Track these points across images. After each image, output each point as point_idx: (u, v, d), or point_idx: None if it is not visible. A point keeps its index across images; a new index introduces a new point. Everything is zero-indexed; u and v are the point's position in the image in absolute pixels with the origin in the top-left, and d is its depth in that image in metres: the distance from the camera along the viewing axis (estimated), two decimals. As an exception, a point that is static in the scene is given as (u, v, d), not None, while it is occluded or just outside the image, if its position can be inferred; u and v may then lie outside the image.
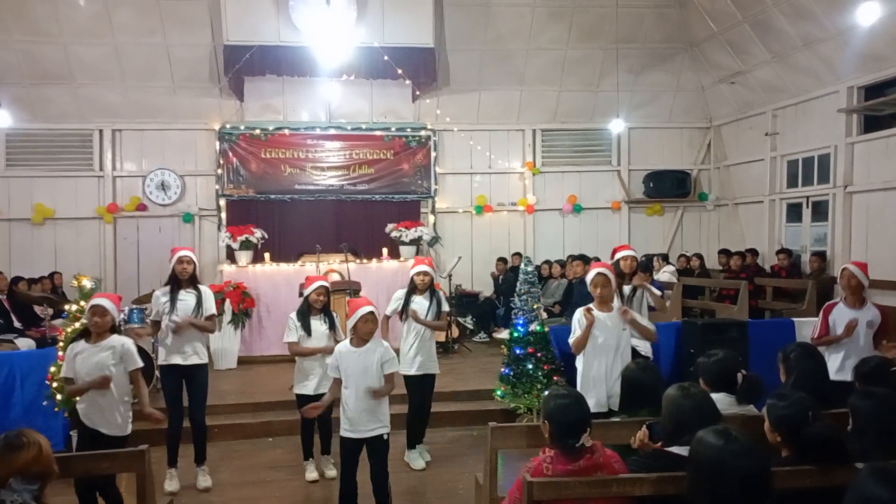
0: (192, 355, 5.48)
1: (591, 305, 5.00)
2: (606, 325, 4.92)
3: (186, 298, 5.48)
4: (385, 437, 4.50)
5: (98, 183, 11.38)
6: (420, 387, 5.97)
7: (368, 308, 4.41)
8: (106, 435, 4.40)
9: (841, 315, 5.42)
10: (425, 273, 5.99)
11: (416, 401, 5.99)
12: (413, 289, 6.00)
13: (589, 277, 5.04)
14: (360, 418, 4.40)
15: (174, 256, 5.53)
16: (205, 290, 5.64)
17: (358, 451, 4.50)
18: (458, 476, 5.71)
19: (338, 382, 4.50)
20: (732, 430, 2.54)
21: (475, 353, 9.91)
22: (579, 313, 4.99)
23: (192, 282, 5.57)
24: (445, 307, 6.14)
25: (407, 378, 5.91)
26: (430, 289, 6.01)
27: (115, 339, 4.52)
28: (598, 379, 4.93)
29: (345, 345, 4.50)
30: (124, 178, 11.46)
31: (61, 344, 6.14)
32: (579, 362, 5.08)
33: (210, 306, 5.61)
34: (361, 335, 4.43)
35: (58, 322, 7.94)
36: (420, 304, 5.93)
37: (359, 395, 4.38)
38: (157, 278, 10.26)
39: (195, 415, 5.58)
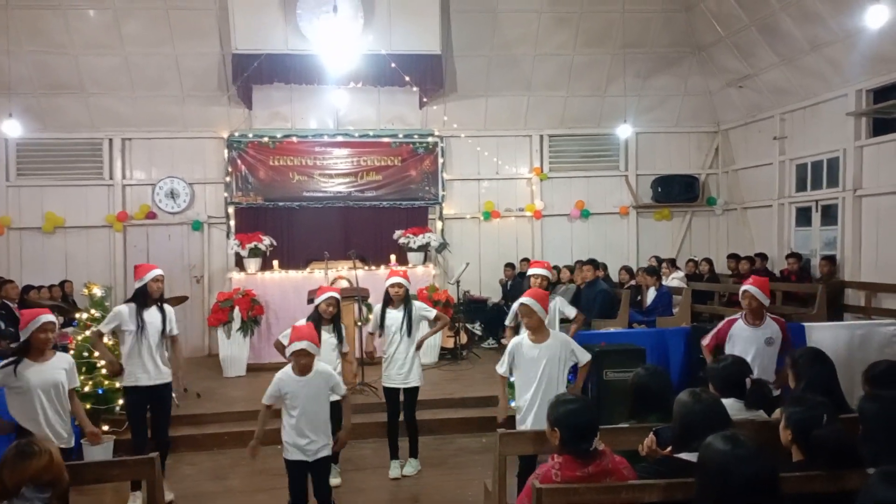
0: (158, 375, 5.44)
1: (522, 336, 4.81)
2: (530, 356, 4.68)
3: (153, 318, 5.44)
4: (328, 456, 4.56)
5: (108, 191, 11.46)
6: (396, 399, 5.98)
7: (301, 344, 4.34)
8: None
9: (739, 333, 5.35)
10: (399, 285, 5.95)
11: (391, 411, 6.00)
12: (388, 301, 5.98)
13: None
14: (310, 443, 4.41)
15: (148, 274, 5.45)
16: (168, 308, 5.62)
17: (307, 473, 4.54)
18: (466, 483, 5.71)
19: (268, 410, 4.47)
20: (740, 436, 2.53)
21: (483, 359, 9.89)
22: (512, 344, 4.83)
23: (159, 299, 5.55)
24: (429, 313, 6.09)
25: (384, 389, 5.98)
26: (405, 300, 5.98)
27: (64, 358, 4.51)
28: (525, 409, 4.73)
29: (287, 373, 4.43)
30: (134, 187, 11.53)
31: (72, 352, 6.19)
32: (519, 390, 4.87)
33: (174, 326, 5.60)
34: (297, 367, 4.41)
35: (69, 330, 7.99)
36: (393, 317, 5.93)
37: (307, 419, 4.39)
38: (167, 286, 10.30)
39: (160, 433, 5.55)
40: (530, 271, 5.97)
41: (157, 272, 5.52)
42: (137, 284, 5.48)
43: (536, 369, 4.63)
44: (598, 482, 2.87)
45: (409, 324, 5.89)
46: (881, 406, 3.05)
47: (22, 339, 4.36)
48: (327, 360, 5.54)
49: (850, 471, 2.79)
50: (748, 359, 5.02)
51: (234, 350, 9.25)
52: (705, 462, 2.53)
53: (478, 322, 11.04)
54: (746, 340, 5.28)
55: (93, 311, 6.45)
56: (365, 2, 10.18)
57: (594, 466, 2.89)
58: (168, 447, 5.66)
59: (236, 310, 9.27)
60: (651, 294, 9.33)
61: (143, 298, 5.44)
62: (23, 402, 4.30)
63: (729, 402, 3.45)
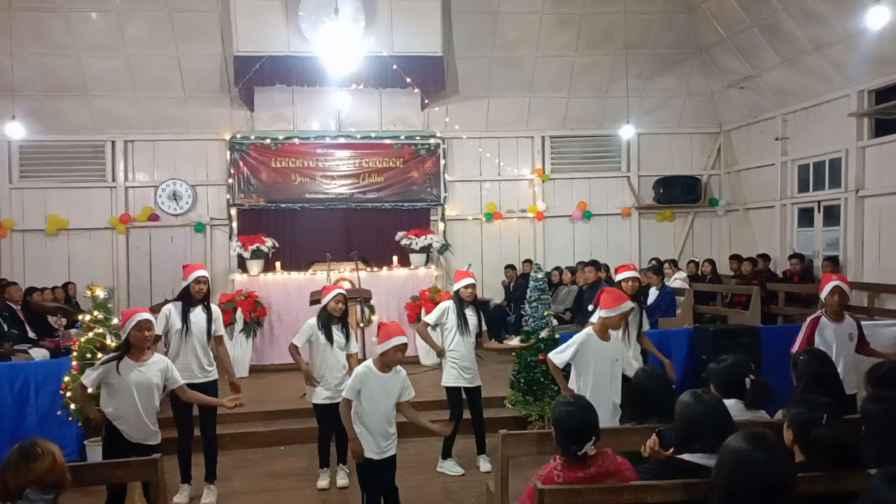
0: (203, 373, 5.47)
1: (590, 330, 4.80)
2: (600, 352, 4.72)
3: (198, 318, 5.47)
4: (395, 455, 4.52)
5: (111, 193, 11.48)
6: (472, 398, 6.06)
7: (404, 339, 4.32)
8: (146, 444, 4.46)
9: (826, 329, 5.39)
10: (473, 285, 6.11)
11: (459, 411, 6.01)
12: (461, 301, 6.03)
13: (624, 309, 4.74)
14: (382, 441, 4.36)
15: (191, 275, 5.46)
16: (215, 309, 5.65)
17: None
18: (469, 483, 5.70)
19: (349, 404, 4.35)
20: (767, 435, 2.50)
21: (486, 360, 9.87)
22: (584, 335, 4.78)
23: (204, 300, 5.56)
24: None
25: (459, 389, 6.00)
26: (474, 300, 6.09)
27: (161, 359, 4.62)
28: None
29: (370, 368, 4.34)
30: (136, 189, 11.56)
31: (75, 354, 6.20)
32: (573, 383, 4.84)
33: (220, 326, 5.62)
34: (390, 363, 4.35)
35: (72, 332, 8.00)
36: (471, 317, 6.04)
37: (380, 418, 4.33)
38: (170, 288, 10.33)
39: (208, 431, 5.56)
40: (620, 276, 5.99)
41: (199, 273, 5.49)
42: (183, 284, 5.51)
43: (603, 364, 4.70)
44: (600, 483, 2.87)
45: (478, 322, 6.01)
46: (885, 407, 3.05)
47: (123, 339, 4.50)
48: (337, 360, 5.57)
49: (851, 472, 2.78)
50: (832, 353, 5.15)
51: (237, 351, 9.23)
52: (722, 461, 2.49)
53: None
54: (831, 336, 5.35)
55: (96, 313, 6.43)
56: (366, 4, 10.20)
57: (596, 467, 2.90)
58: (216, 447, 5.62)
59: (239, 311, 9.27)
60: (653, 293, 9.32)
61: (187, 299, 5.46)
62: (118, 400, 4.39)
63: (731, 403, 3.44)
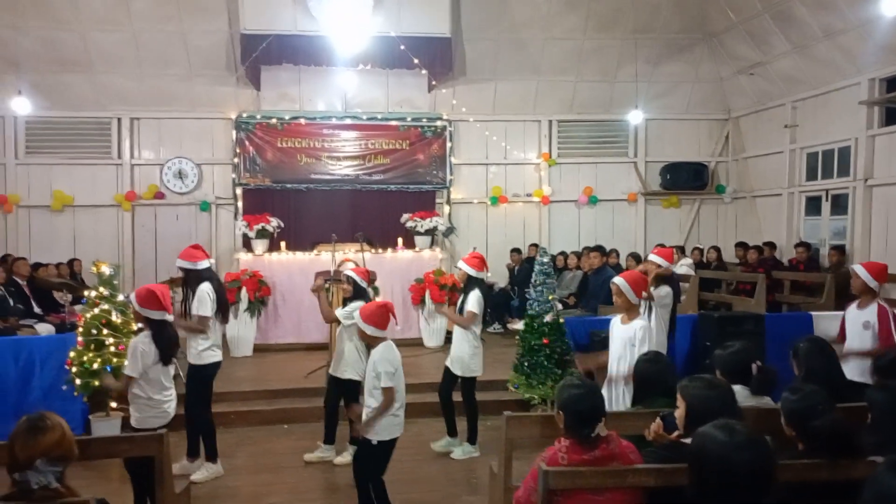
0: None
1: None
2: (615, 335, 4.82)
3: None
4: None
5: (116, 171, 11.48)
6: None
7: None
8: None
9: (848, 314, 5.49)
10: (458, 269, 6.18)
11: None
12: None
13: None
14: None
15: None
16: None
17: None
18: (472, 465, 5.74)
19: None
20: (736, 424, 2.46)
21: (489, 343, 9.87)
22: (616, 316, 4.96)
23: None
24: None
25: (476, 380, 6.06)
26: (466, 285, 6.06)
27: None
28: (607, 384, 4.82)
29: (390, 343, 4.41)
30: (142, 167, 11.55)
31: (81, 330, 6.22)
32: None
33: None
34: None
35: (77, 308, 8.03)
36: None
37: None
38: (174, 266, 10.33)
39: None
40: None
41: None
42: (203, 265, 5.54)
43: (615, 347, 4.77)
44: (604, 466, 2.88)
45: (461, 307, 5.95)
46: (888, 396, 3.05)
47: None
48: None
49: (853, 460, 2.78)
50: (849, 338, 5.26)
51: (242, 330, 9.27)
52: (701, 452, 2.45)
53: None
54: (851, 322, 5.41)
55: (101, 289, 6.44)
56: (375, -17, 10.10)
57: (601, 450, 2.90)
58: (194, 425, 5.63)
59: (243, 290, 9.29)
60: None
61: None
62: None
63: (736, 389, 3.43)
